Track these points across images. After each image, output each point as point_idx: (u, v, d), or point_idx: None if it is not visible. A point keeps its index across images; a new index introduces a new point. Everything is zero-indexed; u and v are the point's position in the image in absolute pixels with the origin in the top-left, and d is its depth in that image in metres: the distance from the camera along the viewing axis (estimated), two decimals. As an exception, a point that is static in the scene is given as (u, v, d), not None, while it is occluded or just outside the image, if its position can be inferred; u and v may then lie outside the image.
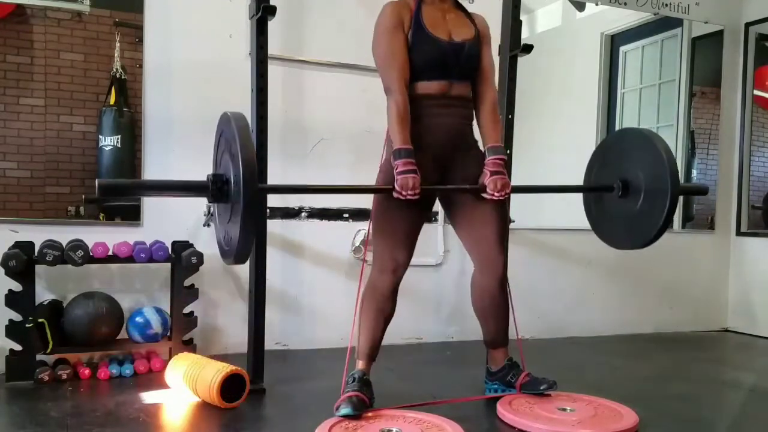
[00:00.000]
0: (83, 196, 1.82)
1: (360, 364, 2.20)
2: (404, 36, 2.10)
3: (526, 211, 3.45)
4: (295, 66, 3.11)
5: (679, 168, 4.12)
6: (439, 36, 2.12)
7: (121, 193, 2.03)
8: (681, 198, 4.13)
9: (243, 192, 1.68)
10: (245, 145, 1.71)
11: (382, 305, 2.19)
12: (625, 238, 2.40)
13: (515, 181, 2.83)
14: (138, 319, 2.66)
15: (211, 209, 2.87)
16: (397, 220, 2.14)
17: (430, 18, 2.14)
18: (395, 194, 2.01)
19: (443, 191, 2.28)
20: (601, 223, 2.50)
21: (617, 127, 4.31)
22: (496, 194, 2.10)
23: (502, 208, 2.23)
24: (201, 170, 2.91)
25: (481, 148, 2.24)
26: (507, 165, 2.19)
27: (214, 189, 1.80)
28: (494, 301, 2.28)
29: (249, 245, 1.77)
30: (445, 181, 2.22)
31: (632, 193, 2.33)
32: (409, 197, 1.99)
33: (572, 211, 4.38)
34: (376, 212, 2.19)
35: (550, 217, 4.08)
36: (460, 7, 2.26)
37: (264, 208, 1.77)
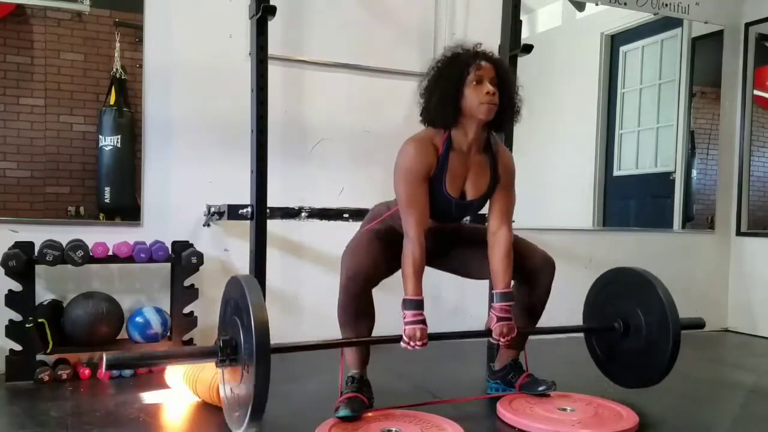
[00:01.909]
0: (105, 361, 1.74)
1: (354, 369, 2.20)
2: (427, 185, 2.02)
3: (527, 212, 3.45)
4: (295, 66, 3.11)
5: (679, 168, 4.14)
6: (452, 193, 2.06)
7: (129, 366, 2.03)
8: (681, 200, 4.15)
9: (256, 357, 1.69)
10: (257, 309, 1.71)
11: (357, 323, 2.10)
12: (631, 378, 2.45)
13: (516, 181, 2.84)
14: (138, 319, 2.66)
15: (211, 209, 2.88)
16: (371, 250, 2.10)
17: (454, 169, 2.04)
18: (403, 344, 2.00)
19: (446, 266, 2.32)
20: (606, 362, 2.56)
21: (617, 128, 4.32)
22: (502, 340, 2.10)
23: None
24: (201, 170, 2.95)
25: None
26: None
27: (224, 355, 1.81)
28: (542, 302, 2.28)
29: (262, 411, 1.75)
30: (435, 262, 2.24)
31: (634, 332, 2.39)
32: (417, 347, 1.98)
33: (573, 211, 4.40)
34: (356, 239, 2.17)
35: (552, 217, 4.09)
36: (488, 148, 2.11)
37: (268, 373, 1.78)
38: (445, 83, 1.98)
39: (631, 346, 2.40)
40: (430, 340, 2.00)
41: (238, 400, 1.80)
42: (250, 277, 1.85)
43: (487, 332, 2.12)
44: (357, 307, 2.07)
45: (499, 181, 2.12)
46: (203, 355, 1.93)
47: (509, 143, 2.69)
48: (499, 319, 2.09)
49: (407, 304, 1.99)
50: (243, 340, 1.76)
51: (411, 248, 1.98)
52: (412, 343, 1.97)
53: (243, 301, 1.74)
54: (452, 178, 2.04)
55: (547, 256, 2.26)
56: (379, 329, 2.21)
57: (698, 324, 2.46)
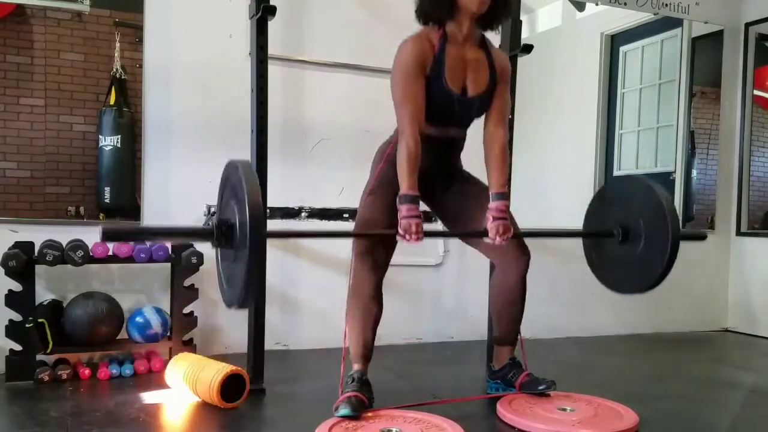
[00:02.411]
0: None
1: (356, 366, 2.20)
2: (423, 79, 2.04)
3: (528, 212, 3.45)
4: (295, 66, 3.11)
5: (679, 168, 4.14)
6: (453, 89, 2.07)
7: (125, 239, 2.02)
8: (681, 200, 4.15)
9: (250, 236, 1.65)
10: (252, 191, 1.69)
11: (369, 306, 2.16)
12: (627, 283, 2.41)
13: (516, 182, 2.85)
14: (138, 319, 2.66)
15: (211, 209, 2.88)
16: (379, 222, 2.14)
17: (451, 64, 2.07)
18: (398, 237, 2.01)
19: (442, 209, 2.31)
20: (603, 269, 2.53)
21: (617, 128, 4.32)
22: (498, 239, 2.10)
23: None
24: (201, 170, 2.94)
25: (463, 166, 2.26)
26: (508, 169, 2.19)
27: (219, 234, 1.80)
28: (512, 299, 2.29)
29: (254, 291, 1.74)
30: (434, 198, 2.26)
31: (632, 239, 2.35)
32: (413, 241, 1.99)
33: (573, 211, 4.40)
34: (364, 210, 2.20)
35: (552, 217, 4.09)
36: (484, 45, 2.16)
37: (263, 259, 1.78)
38: None
39: (629, 252, 2.34)
40: (426, 237, 2.01)
41: (233, 280, 1.80)
42: (246, 163, 1.84)
43: (484, 233, 2.12)
44: (370, 287, 2.11)
45: (497, 81, 2.15)
46: (200, 235, 1.94)
47: (510, 144, 2.69)
48: (495, 218, 2.09)
49: (403, 198, 2.00)
50: (238, 222, 1.73)
51: (405, 142, 2.01)
52: (407, 236, 1.98)
53: (239, 184, 1.73)
54: (451, 72, 2.07)
55: (525, 247, 2.27)
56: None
57: (699, 235, 2.41)
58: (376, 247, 2.15)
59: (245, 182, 1.69)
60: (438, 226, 3.39)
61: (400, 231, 1.98)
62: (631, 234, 2.34)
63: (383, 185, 2.18)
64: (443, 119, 2.12)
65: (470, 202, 2.26)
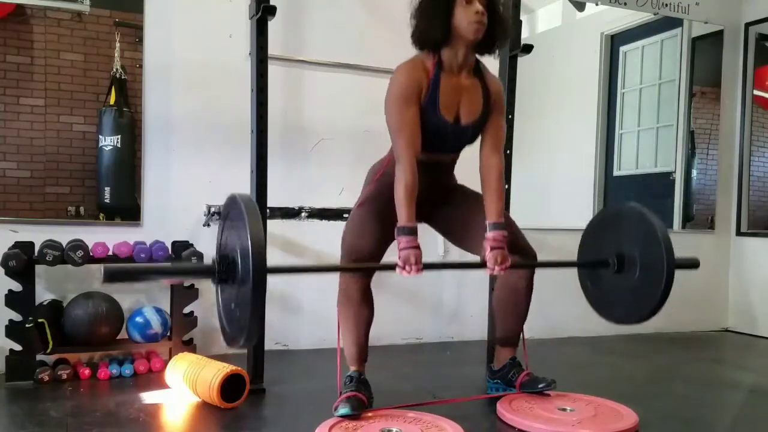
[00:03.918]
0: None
1: (353, 367, 2.20)
2: (418, 107, 2.02)
3: (527, 211, 3.45)
4: (295, 66, 3.11)
5: (679, 168, 4.14)
6: (447, 117, 2.06)
7: (127, 279, 2.00)
8: (681, 200, 4.15)
9: (253, 274, 1.64)
10: (254, 225, 1.67)
11: (358, 309, 2.15)
12: (622, 314, 2.41)
13: (515, 182, 2.85)
14: (138, 319, 2.66)
15: (211, 209, 2.88)
16: (373, 232, 2.12)
17: (446, 92, 2.04)
18: (398, 270, 1.99)
19: (440, 225, 2.31)
20: (598, 299, 2.52)
21: (617, 128, 4.32)
22: (496, 269, 2.09)
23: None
24: (201, 170, 2.95)
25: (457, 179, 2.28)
26: (507, 166, 2.19)
27: (221, 271, 1.80)
28: (517, 299, 2.29)
29: (258, 330, 1.72)
30: (431, 215, 2.26)
31: (628, 268, 2.34)
32: (412, 273, 1.98)
33: (573, 211, 4.41)
34: (356, 218, 2.18)
35: (552, 217, 4.09)
36: (478, 73, 2.13)
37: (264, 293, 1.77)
38: (436, 2, 2.00)
39: (624, 281, 2.34)
40: (426, 269, 2.00)
41: (234, 318, 1.78)
42: (248, 197, 1.82)
43: (482, 263, 2.11)
44: (358, 291, 2.09)
45: (491, 108, 2.13)
46: (200, 271, 1.94)
47: (509, 144, 2.69)
48: (493, 248, 2.08)
49: (401, 230, 1.99)
50: (240, 258, 1.72)
51: (403, 173, 1.98)
52: (407, 268, 1.97)
53: (240, 220, 1.71)
54: (445, 100, 2.05)
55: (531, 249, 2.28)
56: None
57: (692, 263, 2.43)
58: (361, 259, 2.11)
59: (247, 219, 1.67)
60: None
61: (399, 263, 1.98)
62: (626, 263, 2.34)
63: (375, 198, 2.17)
64: (435, 146, 2.11)
65: (467, 215, 2.25)
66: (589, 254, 2.51)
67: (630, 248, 2.33)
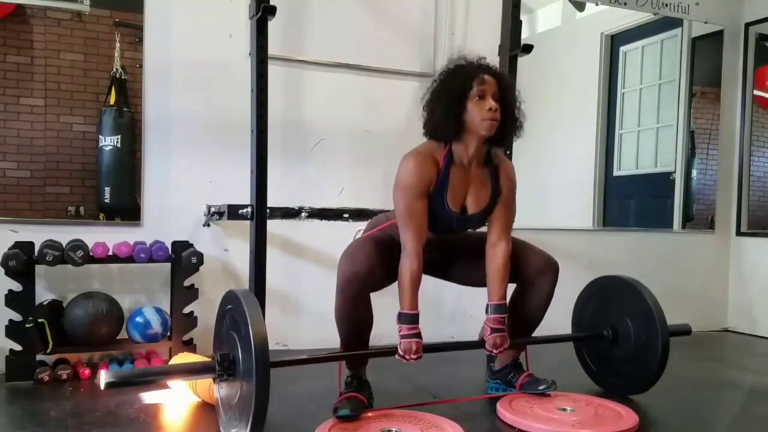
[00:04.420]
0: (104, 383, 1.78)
1: (354, 369, 2.20)
2: (427, 200, 2.01)
3: (527, 211, 3.45)
4: (295, 66, 3.11)
5: (679, 168, 4.14)
6: (453, 209, 2.05)
7: (129, 384, 2.00)
8: (681, 200, 4.15)
9: (256, 375, 1.66)
10: (256, 324, 1.68)
11: (356, 320, 2.11)
12: (620, 385, 2.47)
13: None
14: (138, 319, 2.66)
15: (211, 209, 2.88)
16: (369, 252, 2.05)
17: (455, 184, 2.04)
18: (398, 357, 2.01)
19: (443, 273, 2.33)
20: (595, 370, 2.59)
21: (617, 128, 4.32)
22: (495, 351, 2.13)
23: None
24: (201, 170, 2.94)
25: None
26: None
27: (221, 370, 1.80)
28: (540, 305, 2.28)
29: (259, 426, 1.72)
30: (434, 267, 2.26)
31: (623, 339, 2.43)
32: (411, 361, 2.00)
33: (573, 211, 4.40)
34: (353, 243, 2.14)
35: (552, 217, 4.09)
36: (488, 162, 2.11)
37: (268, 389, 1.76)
38: (448, 97, 1.98)
39: (620, 353, 2.44)
40: (426, 352, 2.03)
41: (237, 414, 1.79)
42: (247, 292, 1.84)
43: (481, 343, 2.15)
44: (354, 310, 2.06)
45: (501, 193, 2.12)
46: (201, 370, 1.95)
47: (509, 147, 2.69)
48: (493, 330, 2.12)
49: (403, 318, 2.01)
50: (241, 356, 1.75)
51: (408, 262, 1.99)
52: (407, 357, 2.00)
53: (241, 316, 1.73)
54: (453, 192, 2.04)
55: (550, 259, 2.26)
56: (378, 330, 2.21)
57: (685, 330, 2.52)
58: (359, 275, 2.02)
59: (249, 316, 1.68)
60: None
61: (400, 351, 1.99)
62: (621, 335, 2.42)
63: (376, 235, 2.18)
64: (440, 231, 2.12)
65: (470, 259, 2.25)
66: (583, 324, 2.61)
67: (623, 320, 2.43)
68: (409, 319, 2.00)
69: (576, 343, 2.65)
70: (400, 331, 2.00)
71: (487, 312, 2.15)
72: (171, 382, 2.39)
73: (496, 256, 2.13)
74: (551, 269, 2.24)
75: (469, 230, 2.27)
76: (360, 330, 2.12)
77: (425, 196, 2.01)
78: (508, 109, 2.02)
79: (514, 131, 2.09)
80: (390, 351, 2.04)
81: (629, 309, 2.41)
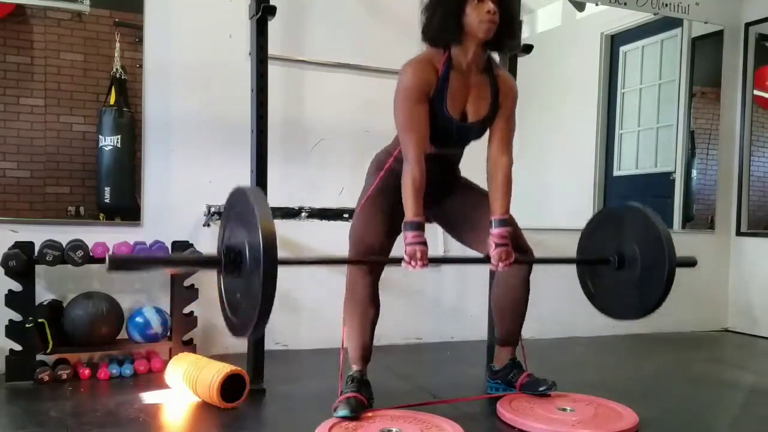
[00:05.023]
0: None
1: (355, 367, 2.20)
2: (427, 105, 2.02)
3: (527, 211, 3.45)
4: (295, 66, 3.11)
5: (679, 168, 4.14)
6: (453, 114, 2.06)
7: (131, 268, 1.97)
8: (681, 200, 4.15)
9: (263, 262, 1.60)
10: (264, 215, 1.64)
11: (365, 309, 2.16)
12: (623, 310, 2.43)
13: (515, 181, 2.83)
14: (138, 319, 2.66)
15: (211, 209, 2.88)
16: (377, 226, 2.13)
17: (454, 90, 2.04)
18: (404, 264, 2.00)
19: (443, 218, 2.32)
20: (598, 296, 2.54)
21: (617, 128, 4.32)
22: (500, 266, 2.10)
23: None
24: (201, 170, 2.94)
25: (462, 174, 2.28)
26: (510, 195, 2.18)
27: (227, 262, 1.78)
28: (515, 296, 2.29)
29: (265, 321, 1.70)
30: (434, 208, 2.25)
31: (628, 266, 2.36)
32: (418, 268, 1.99)
33: (573, 211, 4.40)
34: (359, 216, 2.19)
35: (552, 217, 4.09)
36: (489, 69, 2.11)
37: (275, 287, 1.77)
38: (447, 0, 1.99)
39: (624, 278, 2.36)
40: (431, 263, 2.01)
41: (240, 308, 1.76)
42: (256, 189, 1.79)
43: (486, 259, 2.13)
44: (366, 287, 2.11)
45: (500, 105, 2.13)
46: (206, 262, 1.91)
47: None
48: (498, 245, 2.10)
49: (408, 225, 2.00)
50: (248, 249, 1.68)
51: (411, 170, 1.99)
52: (413, 263, 1.98)
53: (249, 210, 1.67)
54: (453, 97, 2.05)
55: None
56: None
57: (690, 262, 2.46)
58: (374, 252, 2.13)
59: (257, 208, 1.64)
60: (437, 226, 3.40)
61: (406, 257, 1.98)
62: (627, 261, 2.35)
63: (382, 191, 2.18)
64: (441, 141, 2.11)
65: (471, 210, 2.25)
66: (588, 252, 2.53)
67: (631, 246, 2.34)
68: (415, 226, 1.99)
69: (579, 267, 2.59)
70: (405, 239, 2.00)
71: (491, 227, 2.13)
72: (170, 381, 2.40)
73: (497, 170, 2.13)
74: (528, 253, 2.26)
75: (469, 185, 2.26)
76: (367, 315, 2.15)
77: (425, 101, 2.02)
78: (506, 12, 2.02)
79: (512, 36, 2.09)
80: (397, 261, 2.03)
81: (638, 236, 2.33)
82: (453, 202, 2.29)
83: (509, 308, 2.33)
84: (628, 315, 2.41)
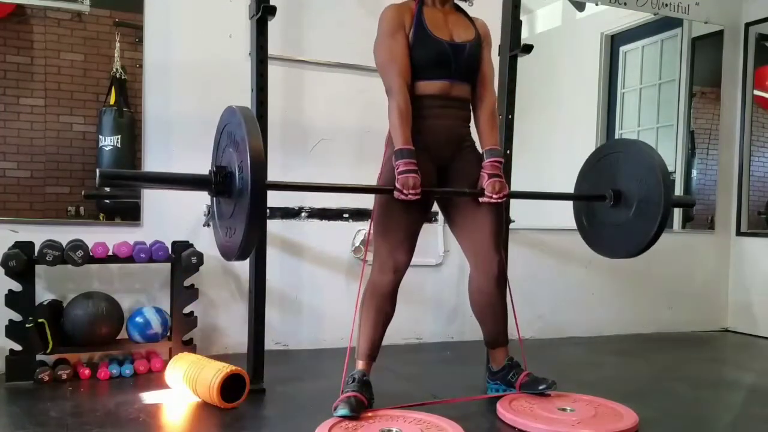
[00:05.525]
0: (83, 192, 1.83)
1: (360, 365, 2.20)
2: (405, 38, 2.12)
3: (527, 211, 3.45)
4: (295, 66, 3.11)
5: (679, 168, 4.14)
6: (440, 36, 2.14)
7: (121, 184, 1.97)
8: (681, 202, 4.14)
9: (251, 182, 1.59)
10: (253, 134, 1.63)
11: (382, 305, 2.19)
12: (617, 247, 2.41)
13: (516, 181, 2.85)
14: (138, 319, 2.66)
15: (211, 209, 2.87)
16: (397, 220, 2.15)
17: (431, 19, 2.16)
18: (396, 194, 2.01)
19: (441, 193, 2.27)
20: (593, 233, 2.53)
21: (617, 128, 4.32)
22: (494, 197, 2.11)
23: (498, 208, 2.23)
24: (201, 170, 2.93)
25: (479, 148, 2.25)
26: (507, 166, 2.20)
27: (218, 182, 1.75)
28: (491, 301, 2.28)
29: (254, 240, 1.70)
30: (444, 181, 2.23)
31: (624, 203, 2.35)
32: (410, 197, 1.99)
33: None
34: (378, 212, 2.20)
35: (552, 217, 4.09)
36: (461, 11, 2.28)
37: (264, 207, 1.72)
38: None
39: (618, 215, 2.36)
40: (423, 194, 2.03)
41: (232, 230, 1.75)
42: (246, 109, 1.78)
43: (480, 192, 2.14)
44: (388, 285, 2.15)
45: (482, 39, 2.23)
46: (196, 182, 1.90)
47: (509, 144, 2.68)
48: (490, 176, 2.12)
49: (398, 153, 2.02)
50: (238, 171, 1.67)
51: (395, 101, 2.07)
52: (405, 191, 1.99)
53: (239, 132, 1.67)
54: (434, 26, 2.14)
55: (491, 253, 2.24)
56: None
57: (689, 202, 2.45)
58: (399, 248, 2.15)
59: (245, 126, 1.63)
60: (437, 225, 3.39)
61: (398, 186, 2.00)
62: (623, 198, 2.33)
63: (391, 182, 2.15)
64: (440, 70, 2.15)
65: (471, 207, 2.23)
66: (586, 187, 2.52)
67: (627, 183, 2.34)
68: (405, 154, 2.02)
69: (575, 206, 2.58)
70: (397, 168, 2.02)
71: (482, 159, 2.17)
72: (170, 381, 2.40)
73: (483, 105, 2.23)
74: (498, 253, 2.24)
75: (476, 157, 2.24)
76: (383, 313, 2.19)
77: (402, 34, 2.11)
78: None
79: None
80: (388, 189, 2.04)
81: (636, 174, 2.32)
82: (457, 172, 2.24)
83: (489, 313, 2.32)
84: (620, 253, 2.41)
